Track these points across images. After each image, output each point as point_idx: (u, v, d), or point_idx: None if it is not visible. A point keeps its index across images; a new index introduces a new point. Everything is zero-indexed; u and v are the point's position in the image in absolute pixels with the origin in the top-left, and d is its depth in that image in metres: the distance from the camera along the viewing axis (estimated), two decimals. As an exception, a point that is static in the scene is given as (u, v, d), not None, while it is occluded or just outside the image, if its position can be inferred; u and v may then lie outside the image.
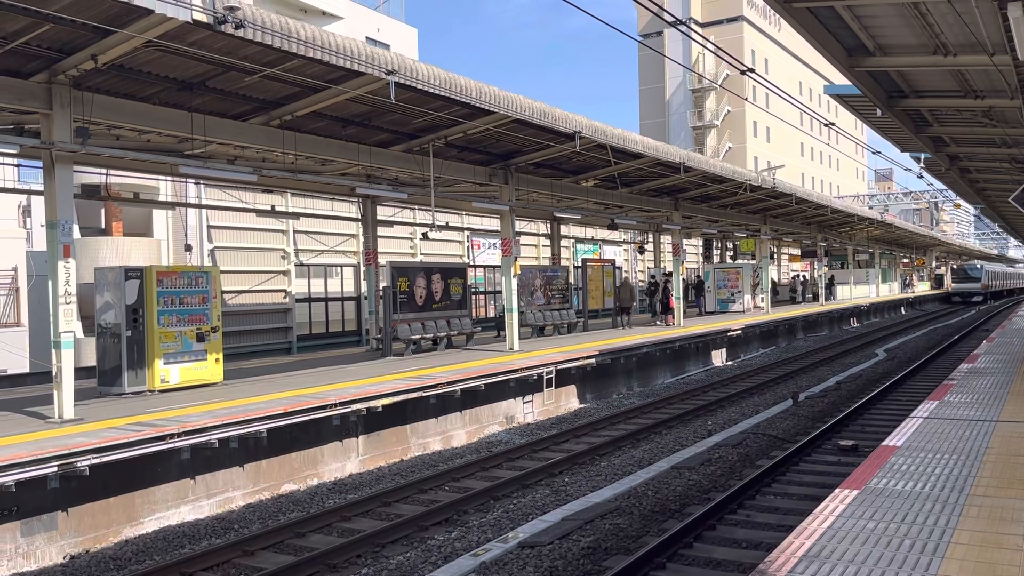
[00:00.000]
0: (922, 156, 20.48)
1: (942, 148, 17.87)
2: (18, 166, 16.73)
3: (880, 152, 19.74)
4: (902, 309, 51.37)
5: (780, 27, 67.69)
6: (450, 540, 8.54)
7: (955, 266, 69.62)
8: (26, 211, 23.19)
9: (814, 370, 22.27)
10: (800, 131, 65.22)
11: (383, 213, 20.77)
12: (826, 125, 16.32)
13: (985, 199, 29.49)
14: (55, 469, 8.35)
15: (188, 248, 20.04)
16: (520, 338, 19.01)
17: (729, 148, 65.21)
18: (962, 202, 40.81)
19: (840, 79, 12.66)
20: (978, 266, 65.76)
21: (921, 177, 23.71)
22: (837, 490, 6.47)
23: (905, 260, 64.04)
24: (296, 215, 20.21)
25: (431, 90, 11.97)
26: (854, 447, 11.59)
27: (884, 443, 8.13)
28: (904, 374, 19.08)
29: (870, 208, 50.03)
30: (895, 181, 64.93)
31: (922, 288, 64.05)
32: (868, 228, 44.21)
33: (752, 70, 11.54)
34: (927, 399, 10.74)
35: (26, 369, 17.86)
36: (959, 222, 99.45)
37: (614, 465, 11.63)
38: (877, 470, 7.04)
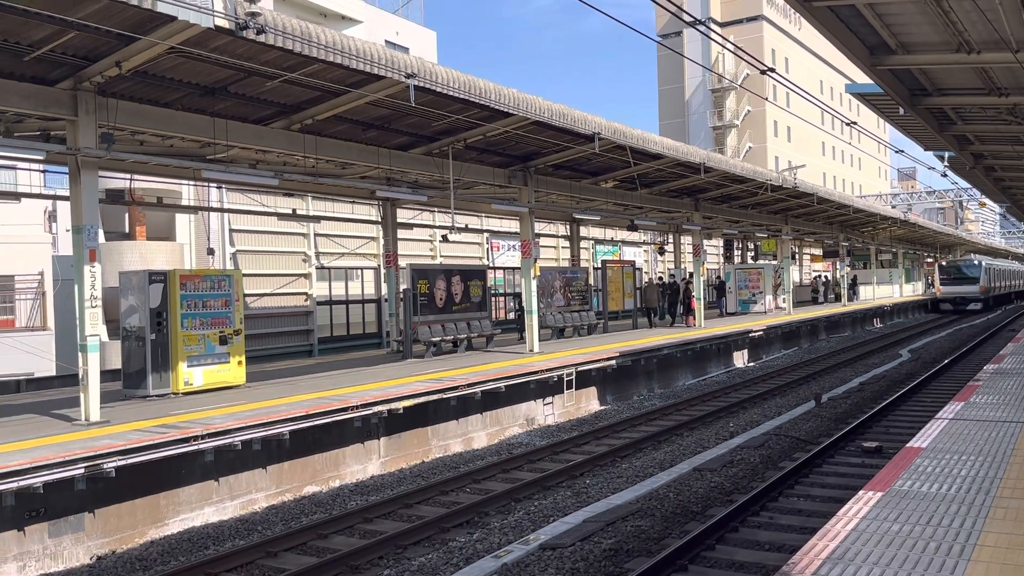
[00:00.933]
0: (946, 154, 20.25)
1: (966, 146, 17.69)
2: (44, 172, 16.98)
3: (903, 151, 19.56)
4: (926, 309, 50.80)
5: (801, 26, 67.19)
6: (471, 542, 8.56)
7: (944, 263, 53.03)
8: (52, 216, 23.52)
9: (837, 371, 22.09)
10: (821, 130, 64.70)
11: (403, 216, 20.86)
12: (848, 124, 16.21)
13: (1010, 197, 29.14)
14: (82, 471, 8.45)
15: (210, 252, 20.24)
16: (540, 340, 19.01)
17: (749, 148, 64.84)
18: (987, 201, 40.32)
19: (862, 78, 12.57)
20: (975, 262, 49.97)
21: (945, 176, 23.46)
22: (861, 492, 6.43)
23: (929, 260, 63.17)
24: (317, 218, 20.35)
25: (450, 93, 12.01)
26: (878, 449, 11.48)
27: (909, 445, 8.06)
28: (929, 375, 18.87)
29: (893, 207, 49.55)
30: (918, 180, 63.07)
31: None
32: (891, 227, 43.82)
33: (772, 69, 11.48)
34: (952, 400, 10.62)
35: (52, 372, 18.09)
36: (984, 221, 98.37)
37: (635, 467, 11.60)
38: (902, 472, 6.98)
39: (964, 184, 37.67)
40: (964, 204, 66.58)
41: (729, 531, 8.35)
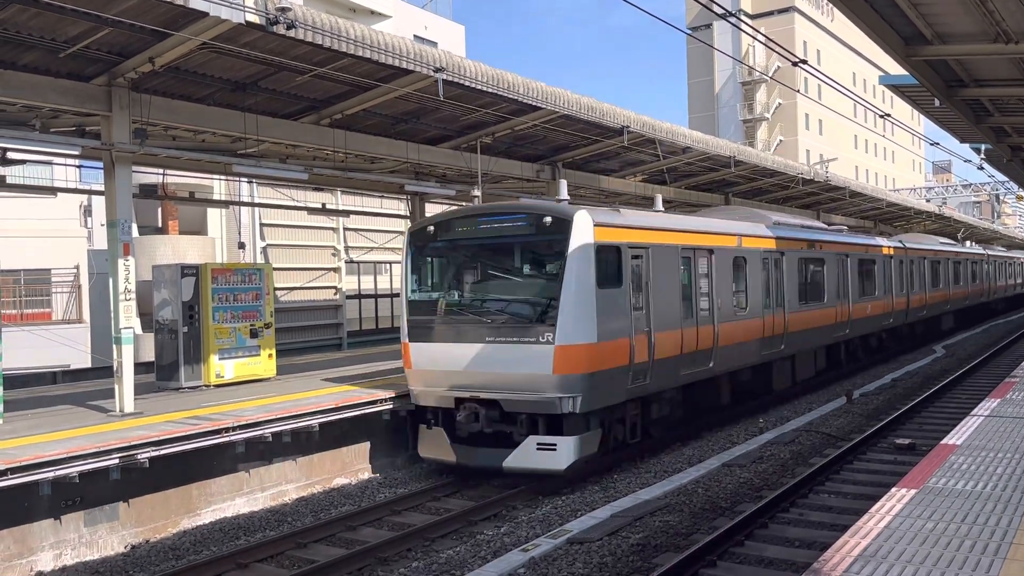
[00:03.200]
0: (983, 147, 19.87)
1: (1004, 138, 17.32)
2: (80, 167, 17.26)
3: (938, 143, 19.23)
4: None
5: (833, 17, 66.27)
6: (499, 535, 8.58)
7: (414, 232, 11.82)
8: (87, 211, 23.92)
9: (869, 367, 21.79)
10: (854, 123, 63.81)
11: (431, 210, 20.88)
12: (881, 117, 15.97)
13: (1049, 191, 28.50)
14: (116, 461, 8.59)
15: (241, 246, 20.46)
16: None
17: (780, 141, 64.13)
18: (1025, 194, 39.51)
19: (896, 69, 12.34)
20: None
21: (982, 169, 23.03)
22: (894, 489, 6.34)
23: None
24: (346, 213, 20.47)
25: (479, 87, 12.01)
26: (911, 446, 11.32)
27: (943, 442, 7.94)
28: (963, 371, 18.57)
29: (928, 201, 48.78)
30: (954, 173, 61.70)
31: None
32: (925, 221, 43.14)
33: (804, 61, 11.33)
34: (988, 397, 10.45)
35: (88, 364, 18.42)
36: (1022, 215, 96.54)
37: (664, 463, 11.55)
38: (935, 469, 6.88)
39: (1001, 177, 36.95)
40: (1001, 198, 65.15)
41: (758, 527, 8.29)
